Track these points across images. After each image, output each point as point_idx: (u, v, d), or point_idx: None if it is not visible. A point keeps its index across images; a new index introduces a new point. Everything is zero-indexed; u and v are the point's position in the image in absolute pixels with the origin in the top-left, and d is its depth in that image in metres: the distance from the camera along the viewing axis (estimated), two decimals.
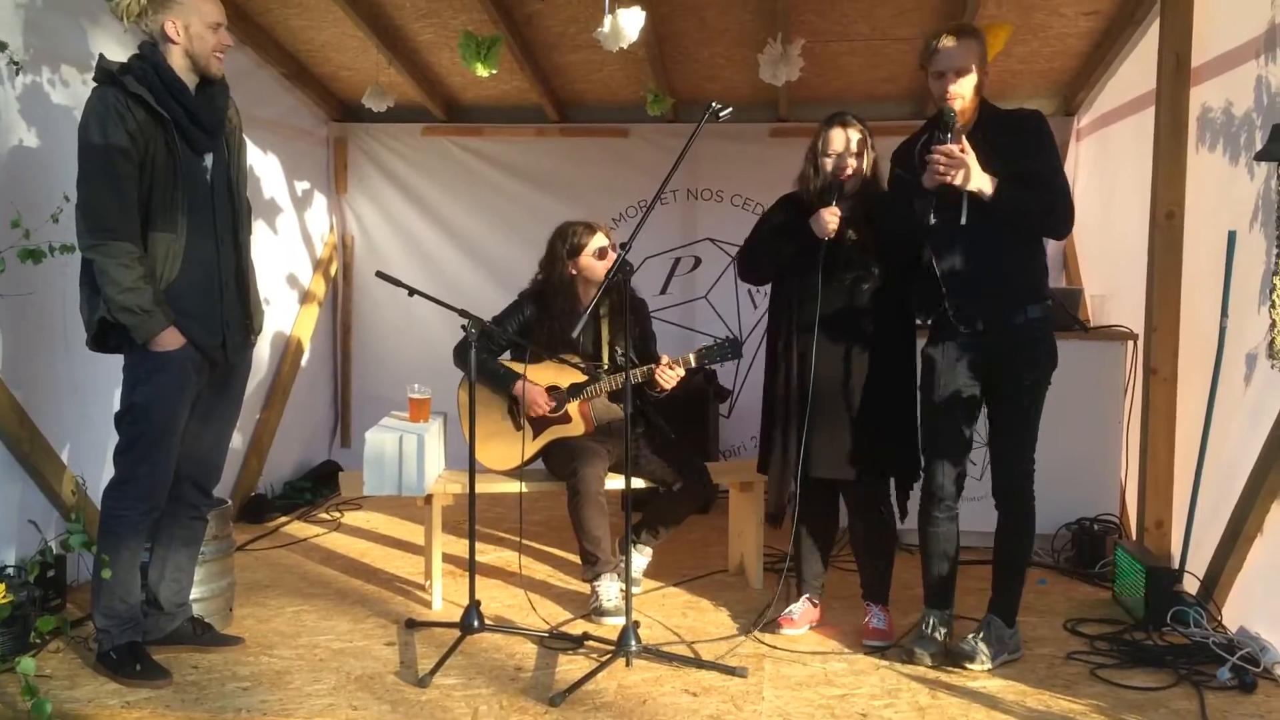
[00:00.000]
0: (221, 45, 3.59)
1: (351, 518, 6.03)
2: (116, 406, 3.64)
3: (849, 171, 3.94)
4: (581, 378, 4.53)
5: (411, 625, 4.19)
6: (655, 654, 3.80)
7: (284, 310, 6.41)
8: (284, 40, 5.88)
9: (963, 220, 3.65)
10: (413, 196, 7.03)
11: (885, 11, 5.34)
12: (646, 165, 6.60)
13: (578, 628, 4.15)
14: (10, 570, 3.91)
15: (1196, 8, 4.35)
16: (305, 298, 6.68)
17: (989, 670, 3.71)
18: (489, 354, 4.55)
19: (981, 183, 3.58)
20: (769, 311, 4.24)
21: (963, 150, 3.56)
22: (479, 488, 4.15)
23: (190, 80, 3.56)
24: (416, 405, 4.70)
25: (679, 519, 4.61)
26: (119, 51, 3.79)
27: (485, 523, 5.49)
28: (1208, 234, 4.25)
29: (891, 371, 3.99)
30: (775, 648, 3.97)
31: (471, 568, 4.06)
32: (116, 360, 3.62)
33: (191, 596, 3.95)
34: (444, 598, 4.49)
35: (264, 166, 6.04)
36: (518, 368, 4.56)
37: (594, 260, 4.56)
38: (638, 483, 4.37)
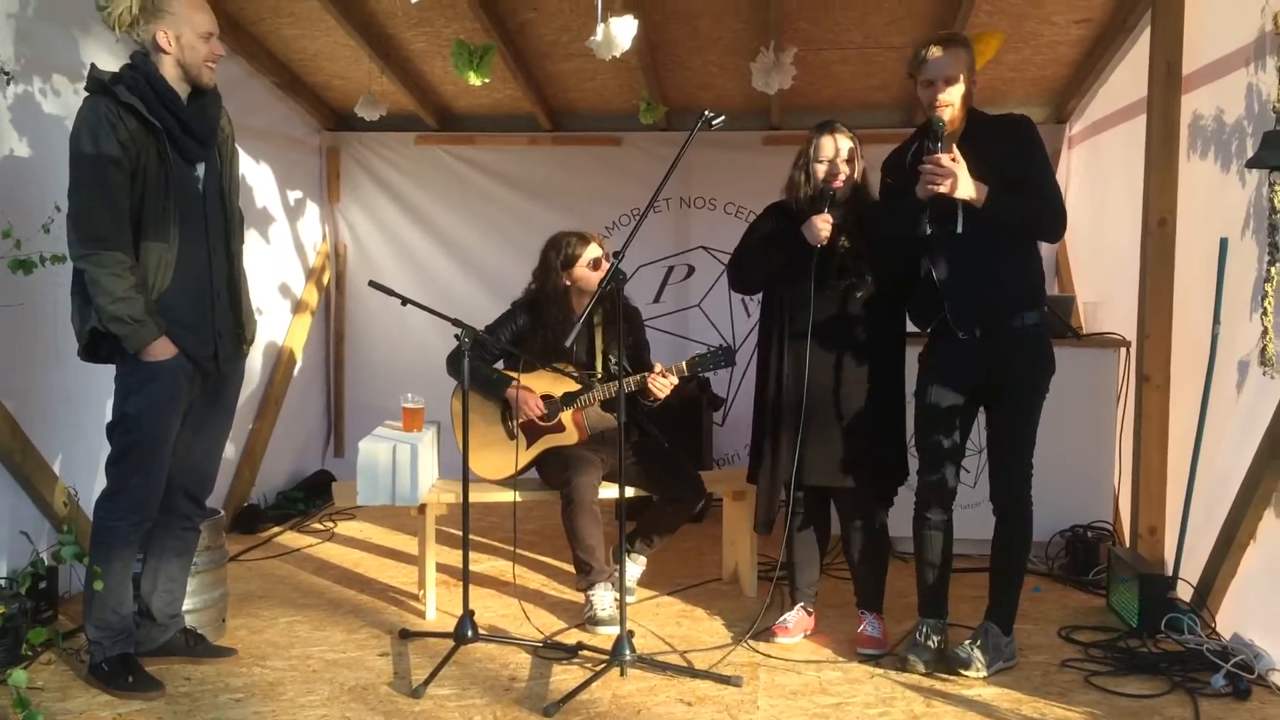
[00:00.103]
0: (213, 55, 3.59)
1: (345, 528, 6.01)
2: (109, 417, 3.62)
3: (840, 179, 3.94)
4: (575, 386, 4.52)
5: (405, 636, 4.18)
6: (650, 663, 3.79)
7: (277, 320, 6.39)
8: (276, 50, 5.88)
9: (959, 229, 3.67)
10: (405, 205, 7.03)
11: (877, 20, 5.36)
12: (639, 174, 6.60)
13: (572, 637, 4.15)
14: (2, 582, 3.90)
15: (1187, 15, 4.37)
16: (298, 307, 6.67)
17: (984, 678, 3.71)
18: (482, 363, 4.54)
19: (973, 191, 3.59)
20: (760, 319, 4.25)
21: (953, 159, 3.58)
22: (473, 497, 4.14)
23: (182, 90, 3.56)
24: (410, 414, 4.69)
25: (673, 528, 4.61)
26: (111, 61, 3.78)
27: (479, 532, 5.48)
28: (1200, 241, 4.26)
29: (883, 378, 4.00)
30: (770, 656, 3.96)
31: (465, 577, 4.05)
32: (109, 370, 3.61)
33: (184, 607, 3.93)
34: (438, 608, 4.48)
35: (256, 176, 6.03)
36: (511, 376, 4.55)
37: (588, 271, 4.55)
38: (631, 492, 4.36)
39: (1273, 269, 3.66)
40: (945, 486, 3.83)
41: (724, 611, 4.48)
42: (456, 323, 4.04)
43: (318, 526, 6.02)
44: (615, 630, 3.79)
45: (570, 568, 4.51)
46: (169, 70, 3.52)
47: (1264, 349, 3.71)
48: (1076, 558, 4.98)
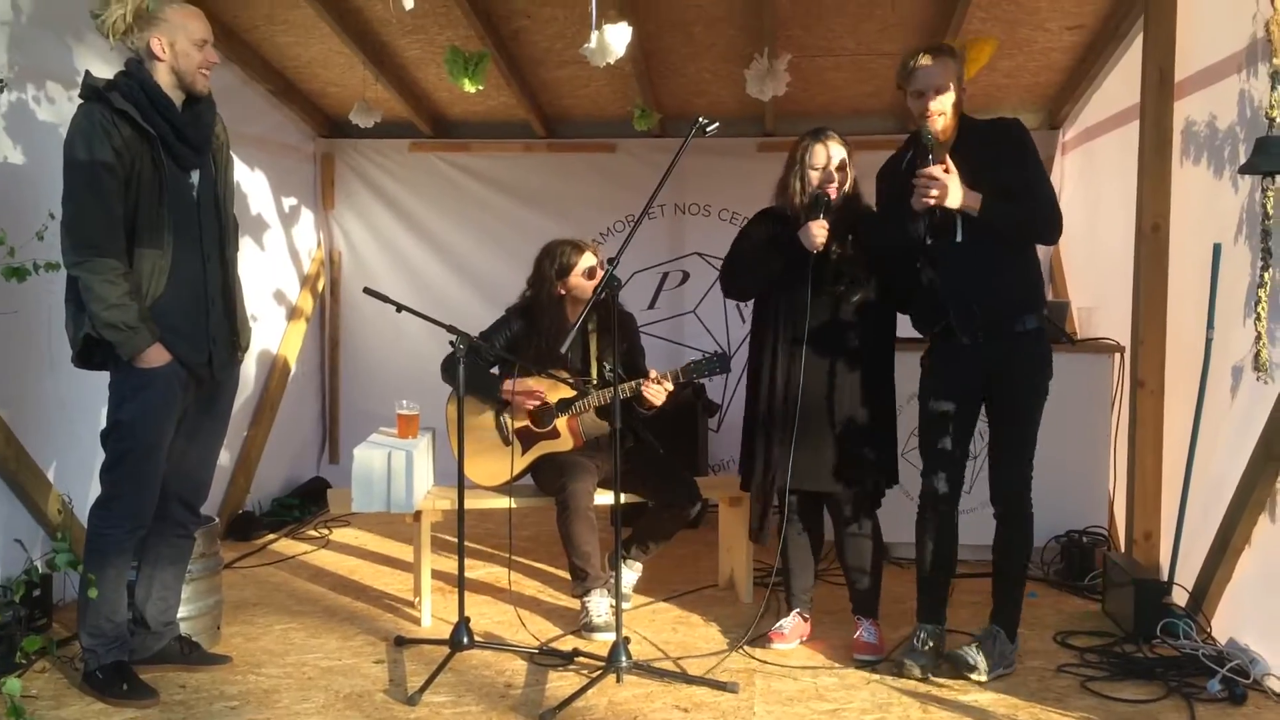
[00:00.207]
0: (208, 62, 3.59)
1: (340, 534, 6.00)
2: (103, 424, 3.61)
3: (834, 186, 3.95)
4: (570, 393, 4.52)
5: (400, 643, 4.17)
6: (646, 670, 3.79)
7: (271, 327, 6.39)
8: (271, 57, 5.88)
9: (958, 238, 3.70)
10: (400, 212, 7.03)
11: (870, 27, 5.37)
12: (634, 180, 6.61)
13: (568, 644, 4.14)
14: None
15: (1179, 22, 4.38)
16: (293, 314, 6.67)
17: (983, 683, 3.71)
18: (477, 369, 4.53)
19: (967, 200, 3.61)
20: (753, 325, 4.25)
21: (946, 170, 3.60)
22: (468, 503, 4.14)
23: (177, 97, 3.56)
24: (405, 421, 4.69)
25: (668, 534, 4.60)
26: (105, 69, 3.78)
27: (474, 539, 5.49)
28: (1193, 247, 4.27)
29: (875, 382, 4.02)
30: (766, 662, 3.96)
31: (461, 584, 4.04)
32: (103, 378, 3.60)
33: (179, 615, 3.92)
34: (433, 614, 4.47)
35: (251, 183, 6.03)
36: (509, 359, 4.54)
37: (583, 280, 4.55)
38: (627, 498, 4.36)
39: (1266, 274, 3.67)
40: (949, 491, 3.86)
41: (720, 617, 4.48)
42: (451, 329, 4.04)
43: (313, 533, 6.01)
44: (611, 637, 3.79)
45: (566, 574, 4.51)
46: (163, 77, 3.52)
47: (1257, 354, 3.71)
48: (1072, 563, 4.98)
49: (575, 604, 4.43)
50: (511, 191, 6.94)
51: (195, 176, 3.64)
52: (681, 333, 6.89)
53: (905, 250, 3.81)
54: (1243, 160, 3.80)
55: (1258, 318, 3.70)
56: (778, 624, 4.17)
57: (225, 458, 5.62)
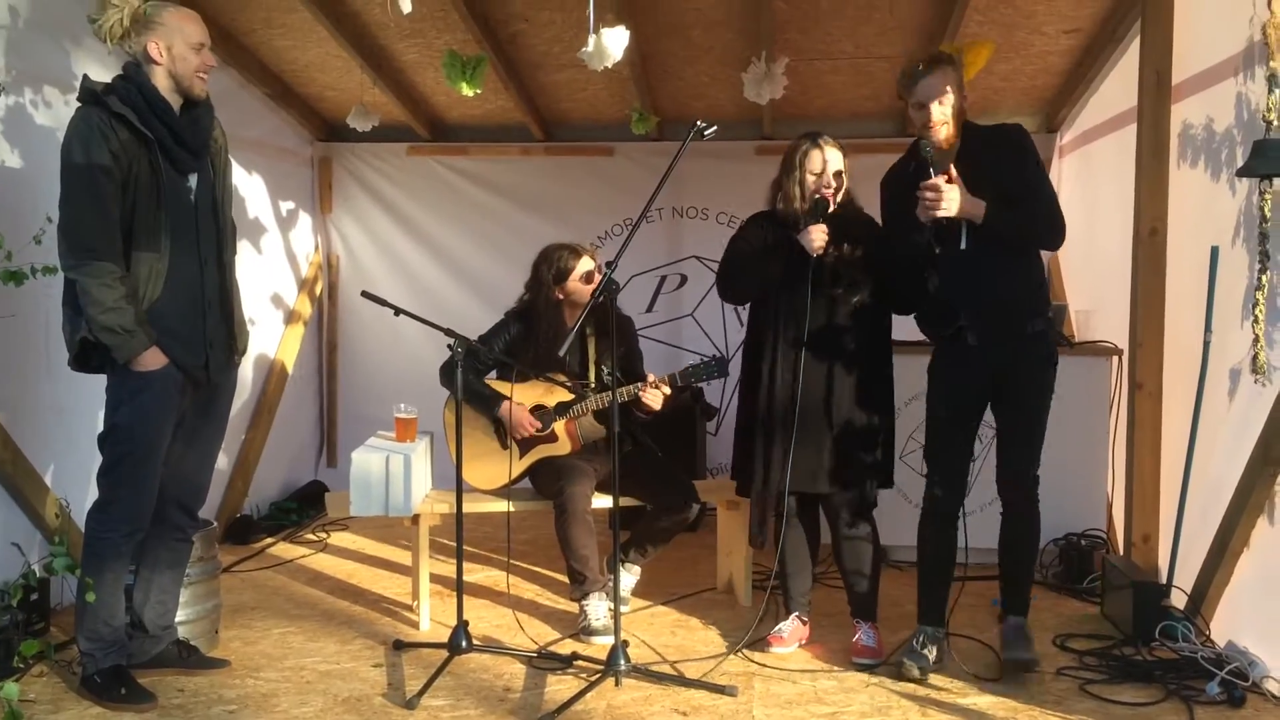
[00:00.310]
0: (205, 66, 3.59)
1: (338, 538, 6.00)
2: (100, 428, 3.61)
3: (831, 190, 3.95)
4: (568, 396, 4.52)
5: (399, 646, 4.16)
6: (644, 673, 3.78)
7: (269, 330, 6.39)
8: (268, 60, 5.88)
9: (962, 245, 3.72)
10: (398, 216, 7.03)
11: (868, 30, 5.37)
12: (632, 184, 6.61)
13: (566, 647, 4.14)
14: None
15: (1176, 25, 4.39)
16: (290, 318, 6.67)
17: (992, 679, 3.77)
18: (475, 373, 4.53)
19: (972, 209, 3.64)
20: (749, 329, 4.25)
21: (949, 180, 3.63)
22: (466, 507, 4.13)
23: (174, 101, 3.56)
24: (403, 425, 4.68)
25: (667, 537, 4.60)
26: (102, 73, 3.78)
27: (472, 542, 5.48)
28: (1191, 250, 4.28)
29: (872, 385, 4.03)
30: (764, 666, 3.96)
31: (459, 588, 4.04)
32: (100, 381, 3.60)
33: (177, 619, 3.92)
34: (431, 618, 4.47)
35: (248, 187, 6.02)
36: (504, 387, 4.55)
37: (580, 284, 4.56)
38: (625, 501, 4.36)
39: (1263, 277, 3.67)
40: (953, 494, 3.88)
41: (719, 621, 4.48)
42: (449, 333, 4.05)
43: (311, 537, 6.01)
44: (610, 640, 3.79)
45: (564, 578, 4.50)
46: (161, 81, 3.52)
47: (1255, 357, 3.72)
48: (1070, 566, 4.98)
49: (574, 607, 4.43)
50: (509, 195, 6.94)
51: (193, 180, 3.63)
52: (679, 336, 6.90)
53: (919, 259, 3.82)
54: (1240, 163, 3.80)
55: (1255, 320, 3.71)
56: (776, 628, 4.16)
57: (223, 461, 5.61)
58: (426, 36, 5.49)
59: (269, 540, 5.88)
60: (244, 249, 5.22)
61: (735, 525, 4.71)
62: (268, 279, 6.36)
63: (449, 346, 4.05)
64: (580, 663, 3.92)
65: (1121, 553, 4.77)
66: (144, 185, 3.47)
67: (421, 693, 3.63)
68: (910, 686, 3.74)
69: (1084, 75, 5.67)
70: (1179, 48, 4.39)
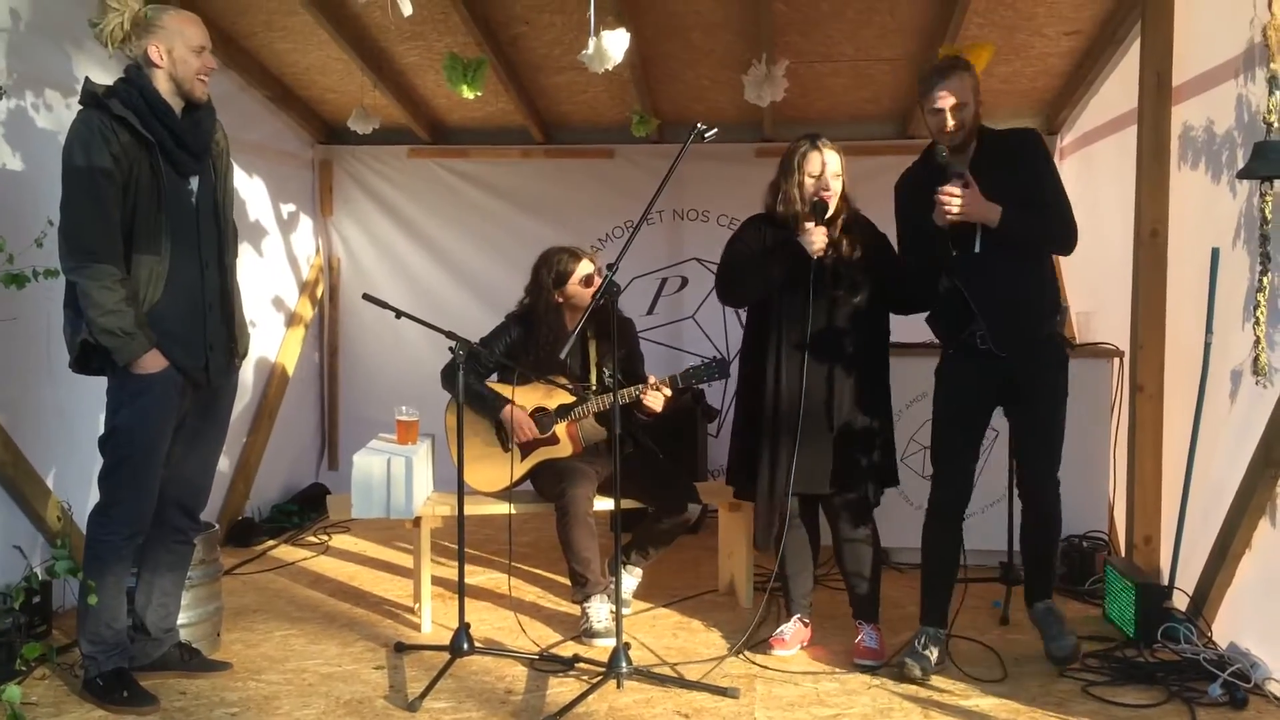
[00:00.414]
0: (205, 68, 3.59)
1: (339, 541, 6.00)
2: (102, 431, 3.61)
3: (831, 193, 3.96)
4: (569, 398, 4.52)
5: (401, 649, 4.16)
6: (646, 675, 3.78)
7: (270, 333, 6.39)
8: (269, 63, 5.89)
9: (976, 249, 3.75)
10: (398, 218, 7.03)
11: (868, 33, 5.38)
12: (632, 186, 6.61)
13: (568, 650, 4.14)
14: None
15: (1177, 27, 4.39)
16: (291, 320, 6.67)
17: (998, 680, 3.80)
18: (476, 376, 4.54)
19: (987, 213, 3.67)
20: (748, 331, 4.24)
21: (966, 185, 3.65)
22: (467, 510, 4.14)
23: (176, 104, 3.56)
24: (404, 427, 4.68)
25: (668, 539, 4.59)
26: (104, 75, 3.78)
27: (474, 545, 5.48)
28: (1191, 251, 4.28)
29: (872, 385, 4.04)
30: (767, 668, 3.96)
31: (461, 590, 4.04)
32: (102, 384, 3.60)
33: (179, 622, 3.92)
34: (433, 620, 4.47)
35: (249, 189, 6.03)
36: (505, 390, 4.55)
37: (580, 287, 4.56)
38: (627, 503, 4.36)
39: (1264, 278, 3.67)
40: (958, 496, 3.91)
41: (720, 623, 4.48)
42: (451, 335, 4.05)
43: (312, 540, 6.00)
44: (611, 642, 3.79)
45: (566, 580, 4.50)
46: (162, 84, 3.53)
47: (1256, 358, 3.72)
48: (1072, 568, 4.97)
49: (575, 610, 4.43)
50: (510, 198, 6.94)
51: (194, 183, 3.64)
52: (680, 338, 6.90)
53: (937, 264, 3.84)
54: (1241, 165, 3.80)
55: (1256, 322, 3.71)
56: (779, 630, 4.16)
57: (225, 464, 5.61)
58: (427, 39, 5.49)
59: (270, 543, 5.88)
60: (245, 252, 5.22)
61: (737, 527, 4.71)
62: (269, 282, 6.36)
63: (450, 349, 4.06)
64: (582, 665, 3.92)
65: (1123, 554, 4.76)
66: (145, 188, 3.47)
67: (423, 695, 3.63)
68: (912, 688, 3.74)
69: (1084, 77, 5.67)
70: (1179, 49, 4.39)
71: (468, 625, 3.98)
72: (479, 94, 5.35)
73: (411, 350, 6.46)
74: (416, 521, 4.49)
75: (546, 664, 3.99)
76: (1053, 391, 3.87)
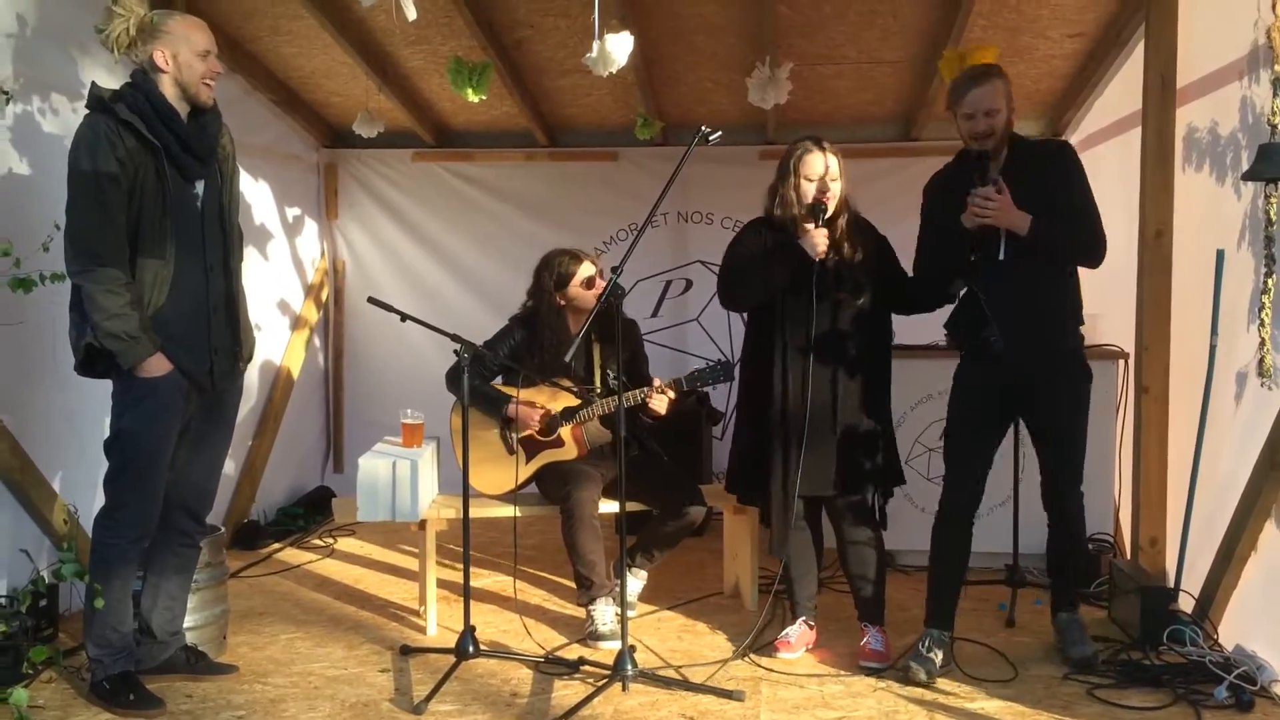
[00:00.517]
0: (211, 73, 3.60)
1: (345, 544, 6.00)
2: (108, 434, 3.62)
3: (830, 195, 3.96)
4: (574, 401, 4.53)
5: (406, 652, 4.17)
6: (651, 678, 3.78)
7: (275, 336, 6.40)
8: (274, 67, 5.90)
9: (1000, 256, 3.76)
10: (403, 222, 7.04)
11: (872, 35, 5.38)
12: (636, 189, 6.62)
13: (573, 652, 4.14)
14: (2, 600, 3.89)
15: (1181, 29, 4.39)
16: (297, 324, 6.68)
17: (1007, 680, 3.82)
18: (481, 378, 4.54)
19: (1018, 220, 3.69)
20: (749, 335, 4.25)
21: (999, 191, 3.68)
22: (473, 512, 4.14)
23: (182, 108, 3.57)
24: (409, 430, 4.69)
25: (673, 542, 4.59)
26: (110, 80, 3.79)
27: (479, 547, 5.47)
28: (1196, 253, 4.27)
29: (875, 388, 4.04)
30: (772, 670, 3.96)
31: (466, 593, 4.05)
32: (108, 388, 3.61)
33: (185, 625, 3.93)
34: (439, 623, 4.48)
35: (254, 193, 6.04)
36: (510, 391, 4.55)
37: (582, 290, 4.56)
38: (632, 506, 4.36)
39: (1270, 280, 3.67)
40: (969, 500, 3.92)
41: (726, 626, 4.48)
42: (455, 338, 4.05)
43: (318, 542, 6.01)
44: (617, 645, 3.80)
45: (571, 583, 4.51)
46: (168, 89, 3.54)
47: (1262, 360, 3.72)
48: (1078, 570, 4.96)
49: (580, 612, 4.43)
50: (514, 200, 6.95)
51: (200, 187, 3.65)
52: (685, 341, 6.90)
53: (943, 269, 3.85)
54: (1245, 167, 3.80)
55: (1262, 324, 3.71)
56: (784, 632, 4.16)
57: (230, 467, 5.60)
58: (432, 43, 5.50)
59: (276, 546, 5.89)
60: (250, 255, 5.23)
61: (742, 529, 4.71)
62: (274, 285, 6.37)
63: (455, 352, 4.06)
64: (587, 668, 3.92)
65: (1129, 557, 4.76)
66: (150, 192, 3.48)
67: (429, 698, 3.63)
68: (918, 691, 3.74)
69: (1088, 79, 5.67)
70: (1183, 51, 4.39)
71: (473, 628, 3.98)
72: (483, 97, 5.36)
73: (416, 353, 6.46)
74: (422, 524, 4.49)
75: (552, 667, 3.99)
76: (1073, 403, 3.87)
